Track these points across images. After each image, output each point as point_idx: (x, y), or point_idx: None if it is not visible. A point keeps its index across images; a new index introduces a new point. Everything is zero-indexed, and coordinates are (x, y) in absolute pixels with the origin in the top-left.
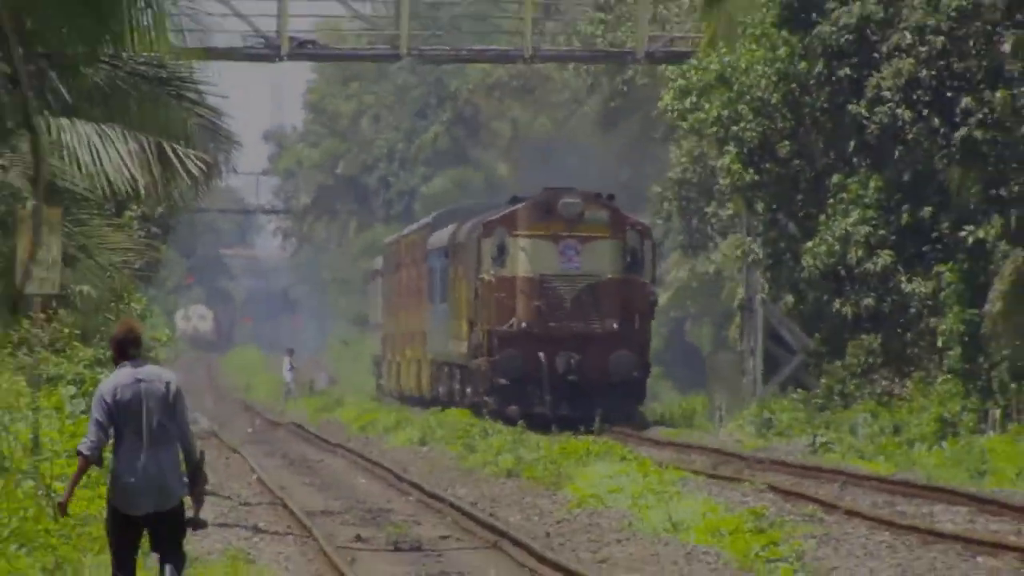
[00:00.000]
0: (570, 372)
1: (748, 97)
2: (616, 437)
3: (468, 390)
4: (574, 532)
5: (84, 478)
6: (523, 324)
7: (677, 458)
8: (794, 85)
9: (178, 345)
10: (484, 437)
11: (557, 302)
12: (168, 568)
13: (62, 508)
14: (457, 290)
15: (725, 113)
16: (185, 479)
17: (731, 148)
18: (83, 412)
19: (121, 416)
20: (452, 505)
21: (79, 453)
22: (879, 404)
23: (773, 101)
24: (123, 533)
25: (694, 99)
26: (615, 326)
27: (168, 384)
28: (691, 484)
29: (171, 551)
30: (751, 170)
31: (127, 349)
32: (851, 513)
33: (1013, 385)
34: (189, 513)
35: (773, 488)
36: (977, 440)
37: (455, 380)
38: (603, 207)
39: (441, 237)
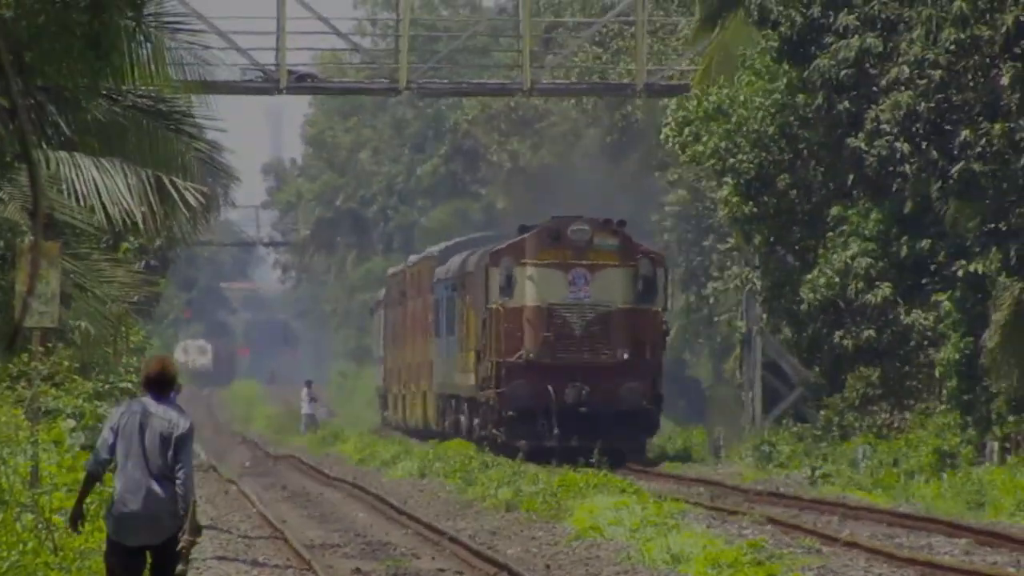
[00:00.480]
0: (580, 403)
1: (745, 129)
2: (619, 472)
3: (476, 423)
4: (573, 564)
5: (84, 509)
6: (531, 355)
7: (676, 490)
8: (792, 118)
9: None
10: (483, 470)
11: (566, 332)
12: None
13: (73, 523)
14: (465, 321)
15: (723, 145)
16: (181, 516)
17: (729, 180)
18: (83, 446)
19: (120, 442)
20: (451, 538)
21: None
22: (878, 436)
23: (770, 133)
24: (118, 563)
25: (694, 129)
26: (625, 356)
27: (175, 425)
28: (690, 516)
29: None
30: (749, 202)
31: (154, 385)
32: (850, 545)
33: (1012, 418)
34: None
35: (772, 520)
36: (975, 472)
37: (462, 413)
38: (613, 234)
39: (448, 268)
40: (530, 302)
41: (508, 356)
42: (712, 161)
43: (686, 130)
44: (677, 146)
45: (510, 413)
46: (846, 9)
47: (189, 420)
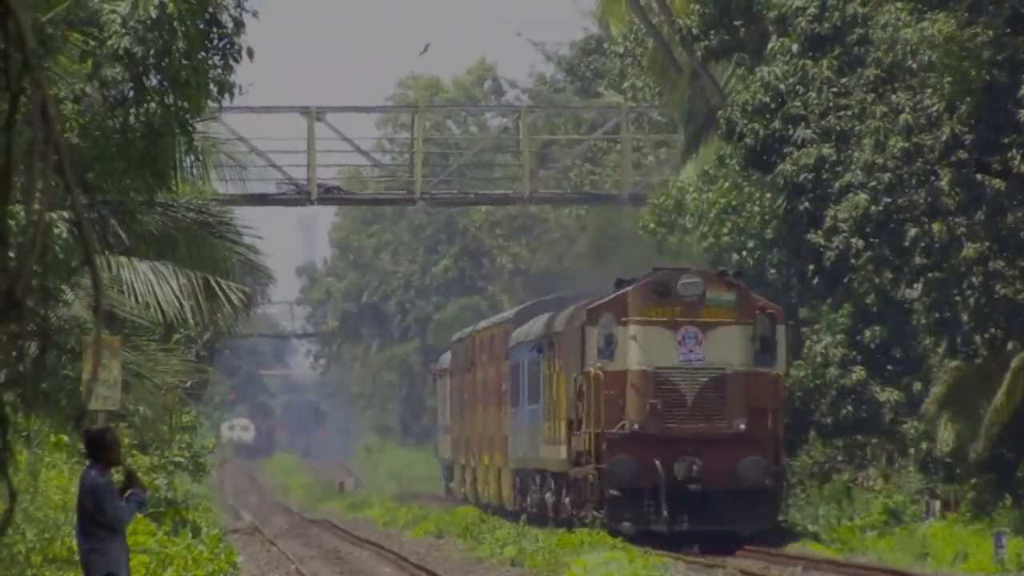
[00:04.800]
0: (691, 480)
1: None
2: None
3: (567, 501)
4: None
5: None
6: (636, 425)
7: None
8: (748, 218)
9: (224, 452)
10: (491, 531)
11: (676, 399)
12: None
13: None
14: (553, 387)
15: (727, 238)
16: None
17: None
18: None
19: None
20: None
21: None
22: (838, 495)
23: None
24: None
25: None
26: (743, 427)
27: (87, 486)
28: (672, 569)
29: None
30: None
31: (87, 450)
32: None
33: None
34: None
35: (744, 572)
36: (920, 527)
37: (548, 490)
38: (729, 287)
39: (529, 330)
40: (634, 365)
41: (609, 427)
42: (711, 245)
43: (670, 225)
44: (659, 236)
45: (612, 492)
46: (803, 123)
47: (102, 478)
